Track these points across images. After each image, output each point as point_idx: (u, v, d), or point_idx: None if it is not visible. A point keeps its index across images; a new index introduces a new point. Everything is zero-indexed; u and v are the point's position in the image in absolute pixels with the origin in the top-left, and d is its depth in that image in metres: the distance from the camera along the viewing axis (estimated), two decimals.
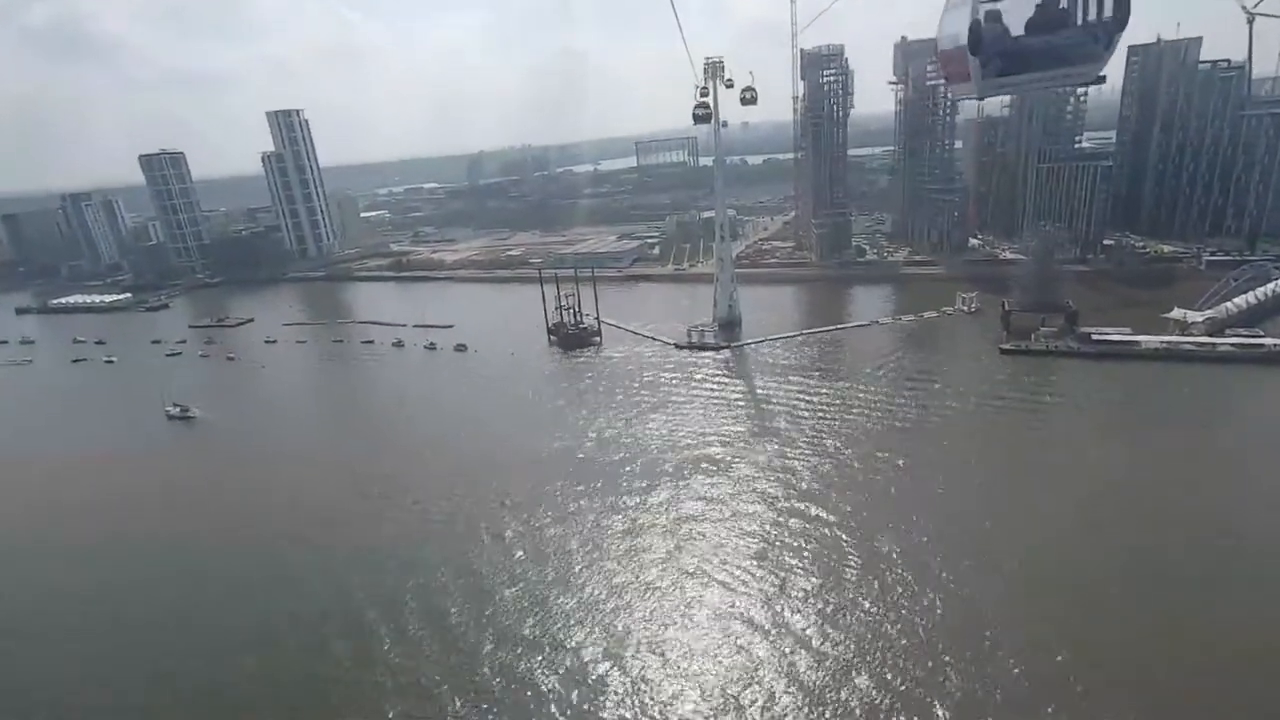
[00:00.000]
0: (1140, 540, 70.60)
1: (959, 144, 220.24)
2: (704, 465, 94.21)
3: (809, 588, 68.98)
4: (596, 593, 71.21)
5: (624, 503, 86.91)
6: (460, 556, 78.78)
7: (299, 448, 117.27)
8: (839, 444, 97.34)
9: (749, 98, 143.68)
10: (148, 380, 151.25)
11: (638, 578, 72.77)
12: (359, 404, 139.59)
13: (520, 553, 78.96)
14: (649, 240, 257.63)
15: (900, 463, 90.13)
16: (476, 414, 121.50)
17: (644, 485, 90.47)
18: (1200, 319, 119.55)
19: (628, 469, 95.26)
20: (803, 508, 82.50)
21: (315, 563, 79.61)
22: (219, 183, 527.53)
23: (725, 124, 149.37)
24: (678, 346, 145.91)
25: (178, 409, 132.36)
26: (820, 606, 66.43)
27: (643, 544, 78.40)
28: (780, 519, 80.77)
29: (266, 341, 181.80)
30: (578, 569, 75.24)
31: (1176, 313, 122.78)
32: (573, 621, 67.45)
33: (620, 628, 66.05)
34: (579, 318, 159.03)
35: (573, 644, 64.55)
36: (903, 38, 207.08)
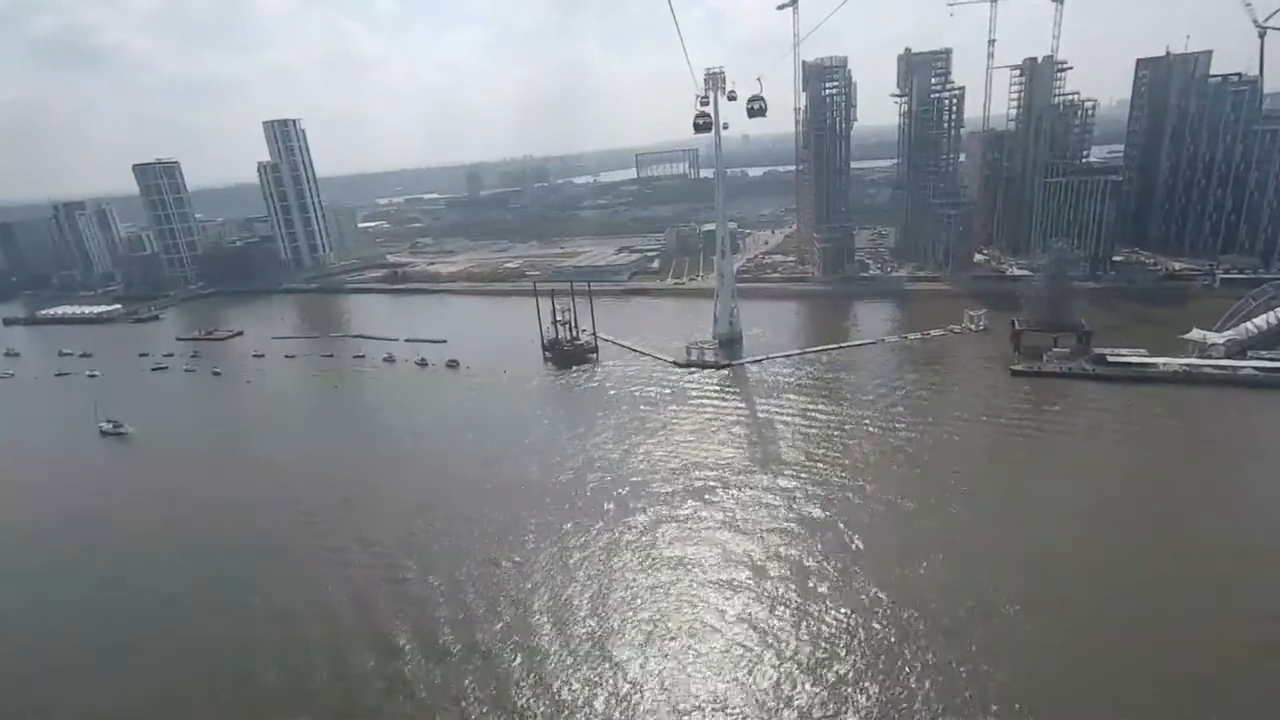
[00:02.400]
0: (1165, 590, 65.64)
1: (963, 157, 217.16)
2: (697, 497, 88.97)
3: (799, 644, 63.87)
4: (571, 645, 66.09)
5: (611, 535, 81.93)
6: (412, 605, 72.90)
7: (231, 466, 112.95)
8: (843, 475, 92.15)
9: (757, 108, 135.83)
10: (115, 396, 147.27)
11: (620, 627, 67.67)
12: (333, 421, 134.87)
13: (484, 593, 73.78)
14: (648, 253, 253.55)
15: (909, 496, 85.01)
16: (461, 435, 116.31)
17: (633, 517, 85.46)
18: (1220, 340, 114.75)
19: (616, 497, 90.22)
20: (802, 547, 77.46)
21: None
22: (220, 192, 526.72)
23: (726, 126, 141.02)
24: (676, 364, 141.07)
25: (110, 425, 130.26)
26: (812, 666, 61.28)
27: (619, 585, 73.26)
28: (776, 561, 75.66)
29: (255, 355, 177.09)
30: (551, 612, 70.07)
31: (1195, 333, 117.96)
32: (543, 673, 62.33)
33: (592, 688, 60.90)
34: (575, 333, 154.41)
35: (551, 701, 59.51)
36: (906, 49, 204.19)
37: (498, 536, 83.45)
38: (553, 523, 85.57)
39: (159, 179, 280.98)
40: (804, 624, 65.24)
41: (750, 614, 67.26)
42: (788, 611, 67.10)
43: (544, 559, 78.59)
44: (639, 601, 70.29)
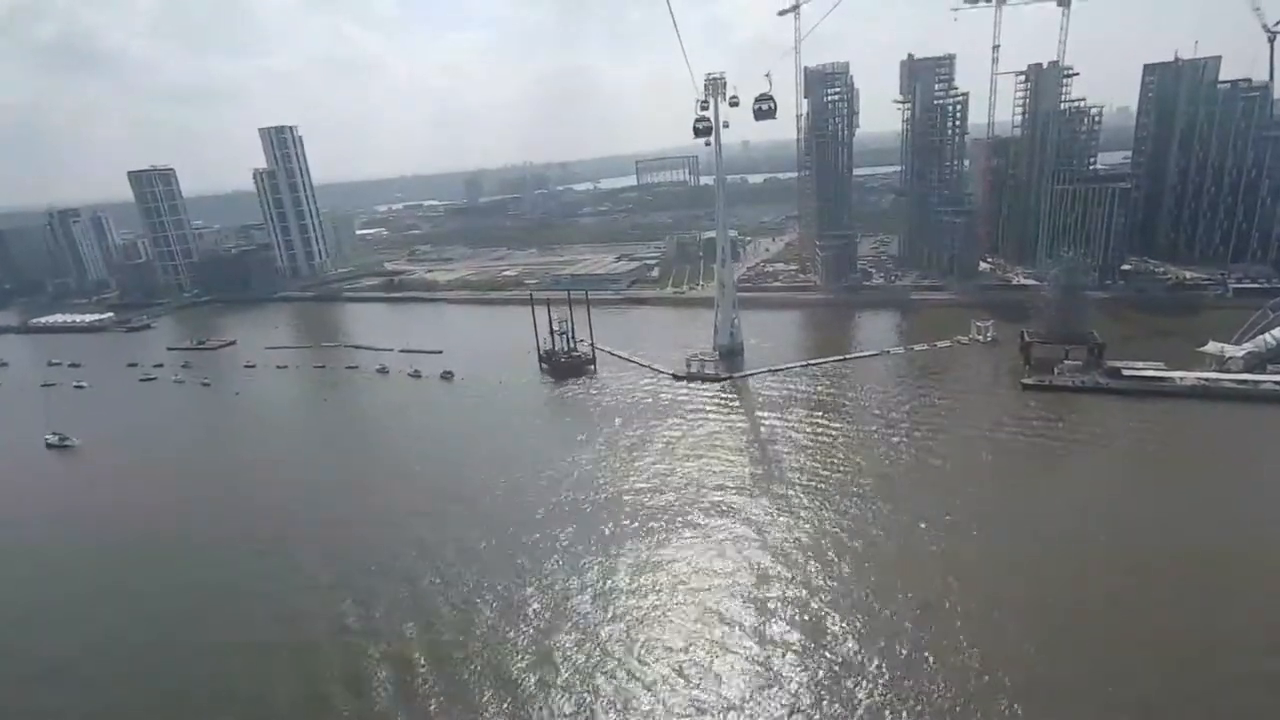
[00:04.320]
0: (1183, 618, 61.60)
1: (967, 164, 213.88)
2: (695, 519, 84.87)
3: (809, 675, 59.88)
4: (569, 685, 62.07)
5: (603, 558, 78.02)
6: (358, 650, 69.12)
7: (174, 479, 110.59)
8: (849, 496, 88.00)
9: (766, 109, 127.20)
10: (89, 408, 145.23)
11: (601, 671, 63.65)
12: (314, 436, 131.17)
13: (454, 625, 69.74)
14: (648, 261, 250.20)
15: (920, 518, 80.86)
16: (450, 451, 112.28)
17: (628, 540, 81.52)
18: (1240, 354, 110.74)
19: (611, 518, 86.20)
20: (808, 573, 73.47)
21: None
22: (220, 198, 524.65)
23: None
24: (675, 377, 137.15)
25: (56, 437, 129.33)
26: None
27: (601, 620, 69.10)
28: (782, 587, 71.67)
29: (246, 366, 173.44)
30: (546, 649, 65.92)
31: (1212, 346, 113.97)
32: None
33: None
34: (572, 344, 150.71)
35: None
36: (909, 55, 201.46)
37: (484, 560, 79.43)
38: (543, 546, 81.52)
39: (154, 186, 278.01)
40: (814, 655, 61.23)
41: (757, 644, 63.24)
42: (796, 643, 63.09)
43: (531, 587, 74.43)
44: (632, 631, 66.31)
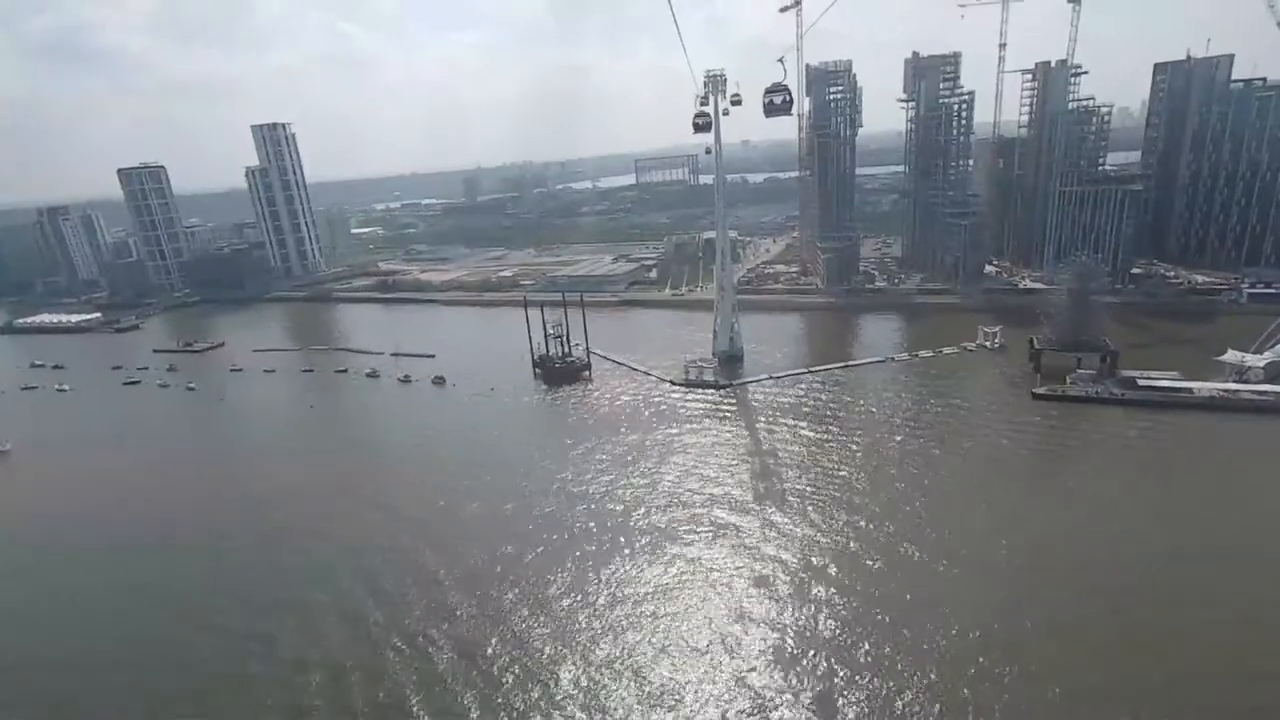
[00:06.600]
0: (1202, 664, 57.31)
1: (972, 164, 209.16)
2: (690, 538, 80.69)
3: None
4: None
5: (588, 580, 73.75)
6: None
7: (99, 487, 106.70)
8: (853, 513, 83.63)
9: (780, 102, 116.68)
10: (59, 412, 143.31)
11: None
12: (297, 445, 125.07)
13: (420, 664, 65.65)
14: (646, 262, 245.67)
15: (929, 541, 76.67)
16: (435, 463, 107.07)
17: (616, 563, 77.23)
18: (1260, 363, 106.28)
19: (599, 537, 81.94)
20: (812, 600, 69.19)
21: None
22: (216, 196, 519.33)
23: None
24: (673, 384, 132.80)
25: None
26: None
27: (586, 659, 64.91)
28: (779, 618, 67.41)
29: (233, 369, 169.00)
30: (524, 684, 61.77)
31: (1231, 355, 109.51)
32: None
33: None
34: (567, 349, 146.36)
35: None
36: (914, 53, 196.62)
37: (473, 583, 75.18)
38: (528, 568, 77.28)
39: (143, 183, 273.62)
40: (811, 691, 57.00)
41: (750, 679, 58.99)
42: (794, 681, 58.84)
43: (517, 615, 70.16)
44: (624, 657, 62.08)
